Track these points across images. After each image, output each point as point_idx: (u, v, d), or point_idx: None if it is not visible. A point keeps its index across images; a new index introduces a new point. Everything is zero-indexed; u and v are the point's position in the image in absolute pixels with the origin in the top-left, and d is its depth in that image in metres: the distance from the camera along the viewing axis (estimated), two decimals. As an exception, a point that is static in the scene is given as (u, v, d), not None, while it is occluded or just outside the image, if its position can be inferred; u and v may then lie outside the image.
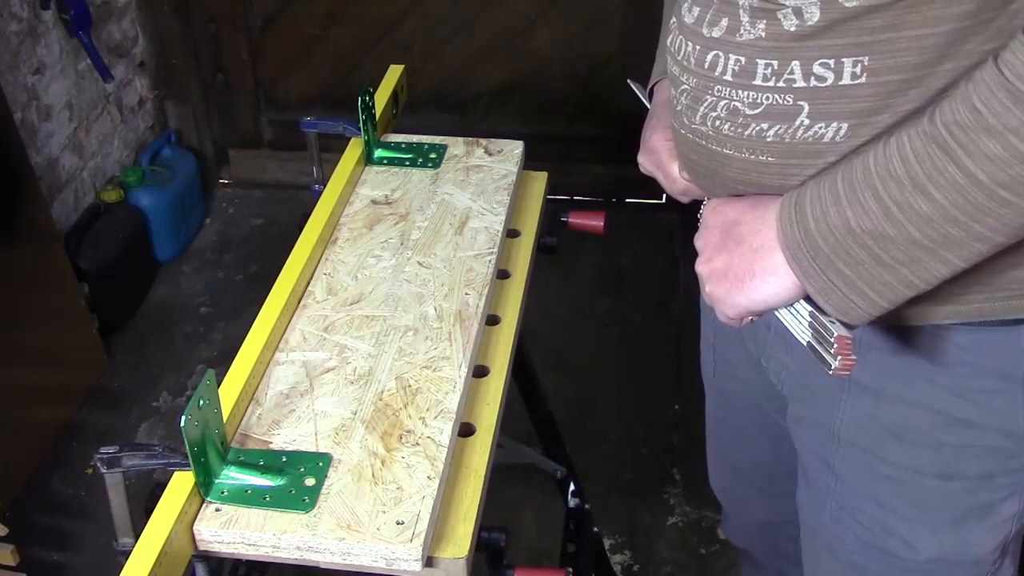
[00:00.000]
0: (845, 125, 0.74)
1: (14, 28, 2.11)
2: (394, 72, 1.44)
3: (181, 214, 2.66)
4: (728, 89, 0.79)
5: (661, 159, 1.00)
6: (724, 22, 0.78)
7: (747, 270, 0.81)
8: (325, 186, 1.22)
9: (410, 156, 1.31)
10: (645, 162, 1.04)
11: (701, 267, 0.86)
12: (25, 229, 2.03)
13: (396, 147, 1.32)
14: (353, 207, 1.22)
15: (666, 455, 2.15)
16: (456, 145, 1.32)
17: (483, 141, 1.33)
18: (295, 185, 2.84)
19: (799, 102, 0.75)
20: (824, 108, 0.74)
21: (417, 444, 0.90)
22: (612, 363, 2.38)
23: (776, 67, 0.75)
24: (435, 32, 2.68)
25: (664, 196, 2.84)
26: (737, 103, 0.79)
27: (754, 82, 0.77)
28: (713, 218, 0.86)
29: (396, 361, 0.99)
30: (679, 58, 0.84)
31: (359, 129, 1.28)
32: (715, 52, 0.79)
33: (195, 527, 0.83)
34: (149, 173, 2.58)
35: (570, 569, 0.96)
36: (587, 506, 1.54)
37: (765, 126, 0.78)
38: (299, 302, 1.07)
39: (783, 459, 1.12)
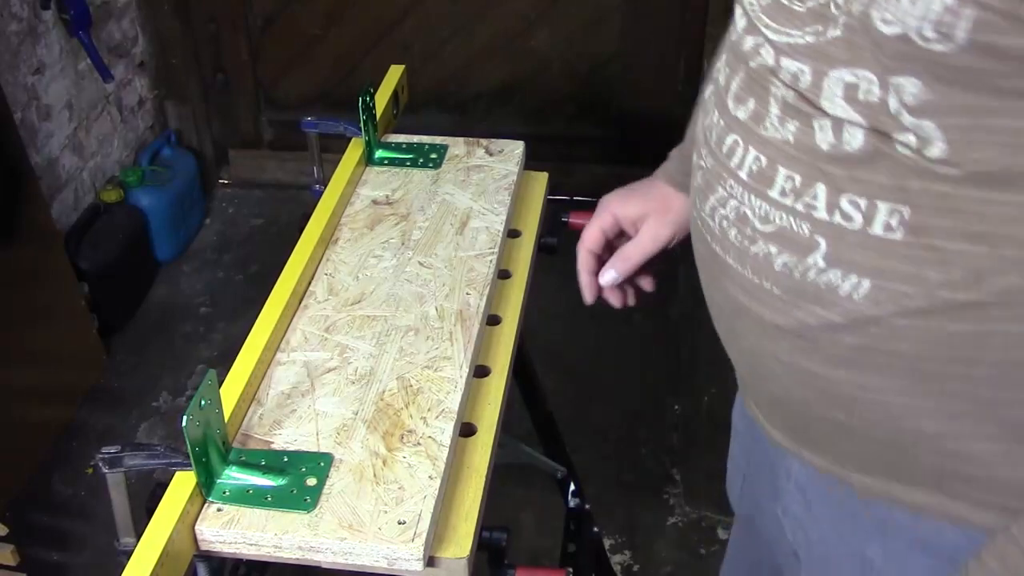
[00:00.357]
0: (867, 283, 0.61)
1: (14, 28, 2.11)
2: (394, 72, 1.44)
3: (181, 214, 2.66)
4: (741, 189, 0.68)
5: (581, 254, 1.03)
6: (751, 104, 0.66)
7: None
8: (326, 186, 1.22)
9: (411, 156, 1.31)
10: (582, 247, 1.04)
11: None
12: (25, 229, 2.03)
13: (397, 147, 1.32)
14: (354, 207, 1.22)
15: (666, 455, 2.15)
16: (457, 145, 1.32)
17: (484, 141, 1.33)
18: (295, 185, 2.84)
19: (817, 236, 0.63)
20: (845, 254, 0.61)
21: (418, 444, 0.90)
22: (612, 363, 2.38)
23: (798, 184, 0.63)
24: (435, 32, 2.68)
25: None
26: (747, 210, 0.67)
27: (770, 192, 0.65)
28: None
29: (397, 361, 0.99)
30: (705, 123, 0.74)
31: (360, 129, 1.28)
32: (735, 137, 0.68)
33: (197, 527, 0.83)
34: (149, 173, 2.58)
35: (570, 569, 0.96)
36: (587, 506, 1.54)
37: (774, 250, 0.66)
38: (300, 302, 1.07)
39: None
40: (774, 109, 0.64)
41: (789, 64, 0.62)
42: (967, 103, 0.53)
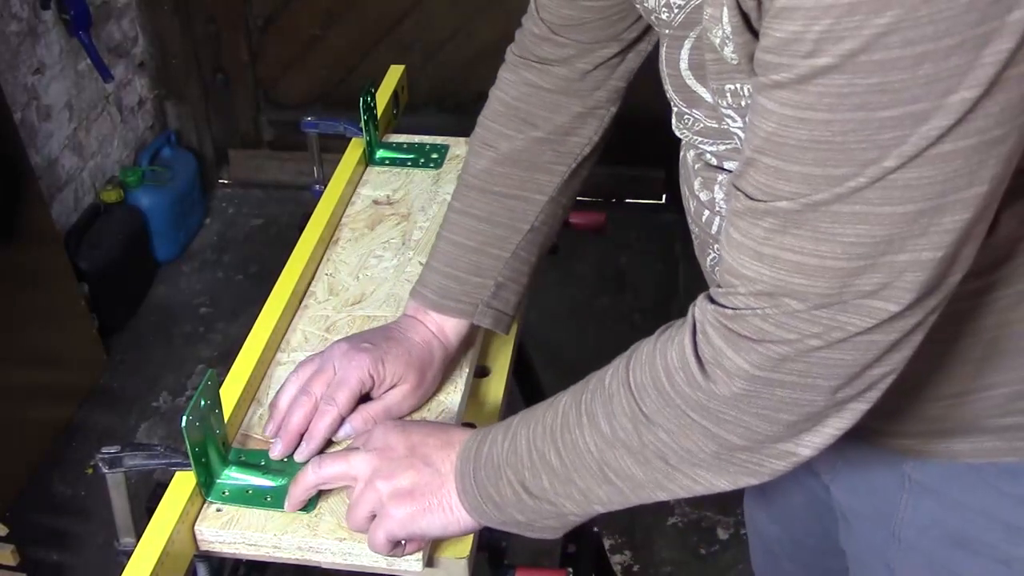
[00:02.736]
0: None
1: (14, 28, 2.11)
2: (394, 72, 1.44)
3: (181, 214, 2.66)
4: None
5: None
6: (708, 192, 0.78)
7: (434, 494, 0.78)
8: (326, 186, 1.22)
9: (412, 156, 1.31)
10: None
11: (380, 482, 0.78)
12: (25, 229, 2.03)
13: (398, 147, 1.32)
14: (354, 207, 1.22)
15: (666, 455, 2.15)
16: (458, 145, 1.32)
17: (484, 141, 1.33)
18: (295, 185, 2.84)
19: None
20: None
21: (418, 444, 0.90)
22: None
23: None
24: (435, 32, 2.68)
25: (664, 196, 2.85)
26: None
27: None
28: (391, 436, 0.81)
29: (397, 361, 0.99)
30: (684, 199, 0.83)
31: (360, 129, 1.28)
32: (707, 212, 0.79)
33: (196, 527, 0.83)
34: (149, 173, 2.58)
35: (570, 569, 0.96)
36: (587, 506, 1.53)
37: None
38: (300, 302, 1.07)
39: (828, 534, 1.03)
40: (720, 193, 0.76)
41: (730, 165, 0.75)
42: None
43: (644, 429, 0.67)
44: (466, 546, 0.85)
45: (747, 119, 0.58)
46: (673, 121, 0.79)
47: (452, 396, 0.95)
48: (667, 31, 0.74)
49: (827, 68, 0.50)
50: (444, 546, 0.84)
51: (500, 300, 0.96)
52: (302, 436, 0.88)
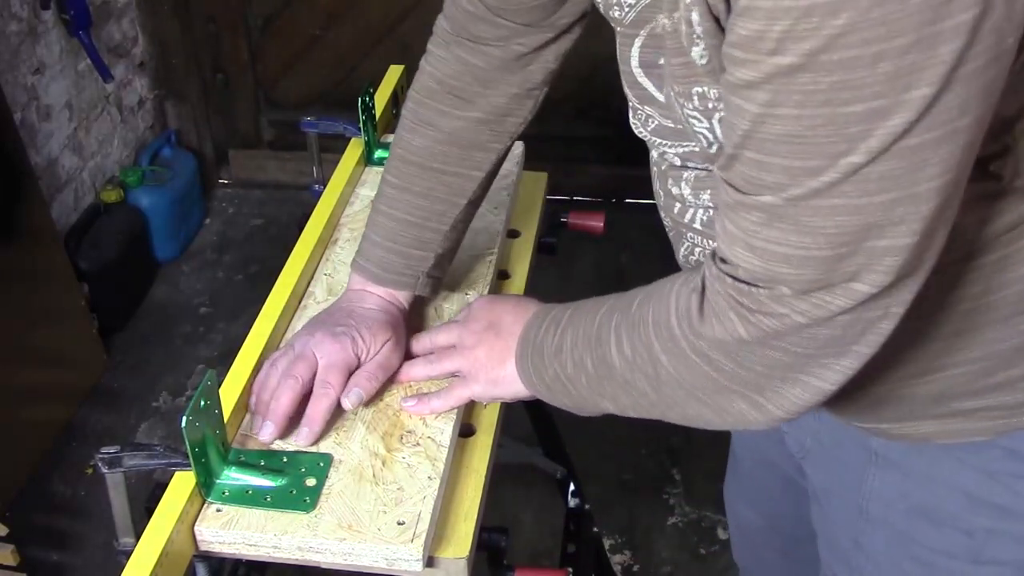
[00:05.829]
0: None
1: (14, 28, 2.11)
2: (394, 72, 1.44)
3: (181, 214, 2.66)
4: (700, 238, 0.83)
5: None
6: (679, 187, 0.82)
7: (498, 360, 0.89)
8: (325, 186, 1.21)
9: (410, 156, 1.30)
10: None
11: (465, 357, 0.92)
12: (25, 229, 2.03)
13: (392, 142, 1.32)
14: (354, 207, 1.22)
15: (666, 455, 2.16)
16: (456, 145, 1.32)
17: (483, 141, 1.33)
18: (295, 185, 2.84)
19: None
20: None
21: (418, 444, 0.90)
22: (612, 363, 2.37)
23: None
24: (435, 32, 2.68)
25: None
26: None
27: None
28: (482, 311, 0.93)
29: (397, 361, 0.99)
30: (654, 193, 0.88)
31: (359, 129, 1.28)
32: (679, 204, 0.83)
33: (196, 527, 0.83)
34: (149, 173, 2.58)
35: (570, 569, 0.96)
36: (587, 506, 1.54)
37: None
38: (300, 302, 1.07)
39: (804, 520, 1.06)
40: (687, 188, 0.81)
41: (692, 164, 0.79)
42: None
43: (656, 362, 0.74)
44: (466, 546, 0.85)
45: (723, 116, 0.62)
46: (630, 116, 0.82)
47: (452, 396, 0.95)
48: (619, 28, 0.76)
49: (791, 67, 0.53)
50: (444, 546, 0.85)
51: (438, 269, 1.01)
52: (290, 419, 0.89)
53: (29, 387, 2.07)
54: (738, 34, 0.54)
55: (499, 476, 0.98)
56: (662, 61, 0.73)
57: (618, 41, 0.78)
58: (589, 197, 2.80)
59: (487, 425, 0.96)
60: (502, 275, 1.15)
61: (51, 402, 2.18)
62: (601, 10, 0.79)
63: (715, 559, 1.95)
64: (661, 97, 0.76)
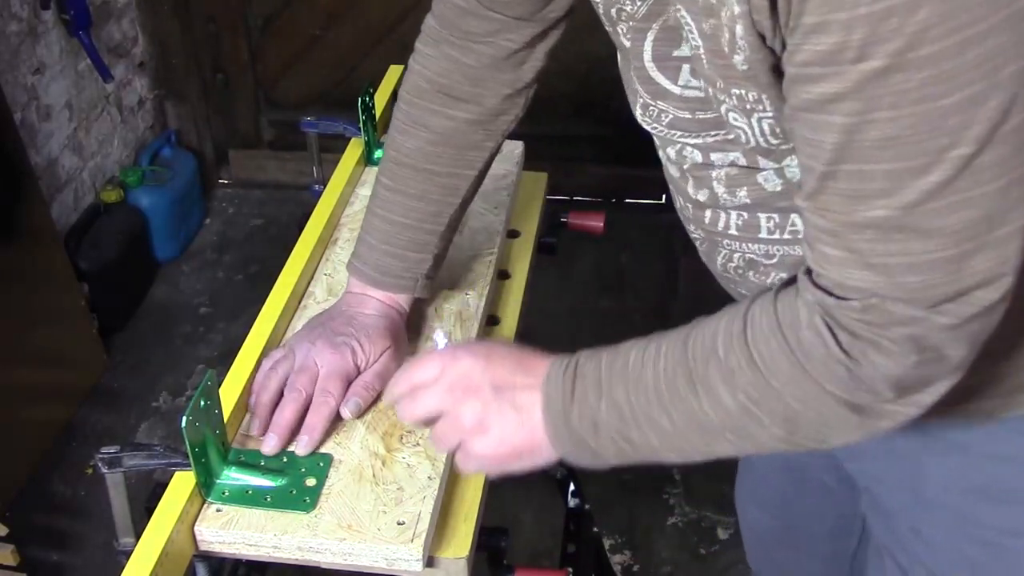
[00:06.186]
0: None
1: (14, 28, 2.11)
2: (394, 72, 1.44)
3: (181, 214, 2.66)
4: (738, 243, 0.80)
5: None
6: (705, 191, 0.79)
7: (524, 441, 0.77)
8: (325, 186, 1.22)
9: (410, 156, 1.30)
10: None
11: (470, 428, 0.77)
12: (25, 229, 2.03)
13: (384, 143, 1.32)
14: (353, 207, 1.22)
15: (666, 455, 2.15)
16: (456, 145, 1.32)
17: (483, 141, 1.33)
18: (295, 185, 2.84)
19: None
20: None
21: (418, 444, 0.90)
22: (612, 363, 2.37)
23: (778, 220, 0.76)
24: (435, 32, 2.67)
25: (664, 196, 2.85)
26: (752, 255, 0.80)
27: (760, 235, 0.78)
28: (475, 371, 0.79)
29: (397, 361, 0.99)
30: (678, 206, 0.84)
31: (359, 129, 1.28)
32: (712, 211, 0.80)
33: (196, 527, 0.83)
34: (149, 173, 2.58)
35: (570, 569, 0.96)
36: (587, 506, 1.54)
37: (785, 275, 0.78)
38: (299, 302, 1.07)
39: (825, 516, 1.06)
40: (720, 188, 0.77)
41: (718, 157, 0.76)
42: None
43: (774, 400, 0.67)
44: (466, 546, 0.85)
45: (800, 137, 0.59)
46: (637, 112, 0.80)
47: (452, 396, 0.95)
48: (630, 23, 0.75)
49: (879, 70, 0.53)
50: (444, 546, 0.85)
51: (435, 270, 1.01)
52: (293, 431, 0.89)
53: (29, 387, 2.07)
54: (812, 51, 0.54)
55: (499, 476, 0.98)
56: (676, 52, 0.72)
57: (626, 37, 0.76)
58: (589, 197, 2.80)
59: (487, 425, 0.96)
60: (502, 275, 1.15)
61: (51, 402, 2.18)
62: (600, 9, 0.78)
63: (715, 559, 1.95)
64: (677, 89, 0.74)
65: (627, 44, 0.77)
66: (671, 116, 0.77)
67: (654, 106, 0.78)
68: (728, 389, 0.68)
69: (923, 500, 0.87)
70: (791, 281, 0.68)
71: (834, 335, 0.64)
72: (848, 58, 0.53)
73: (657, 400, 0.71)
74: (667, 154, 0.81)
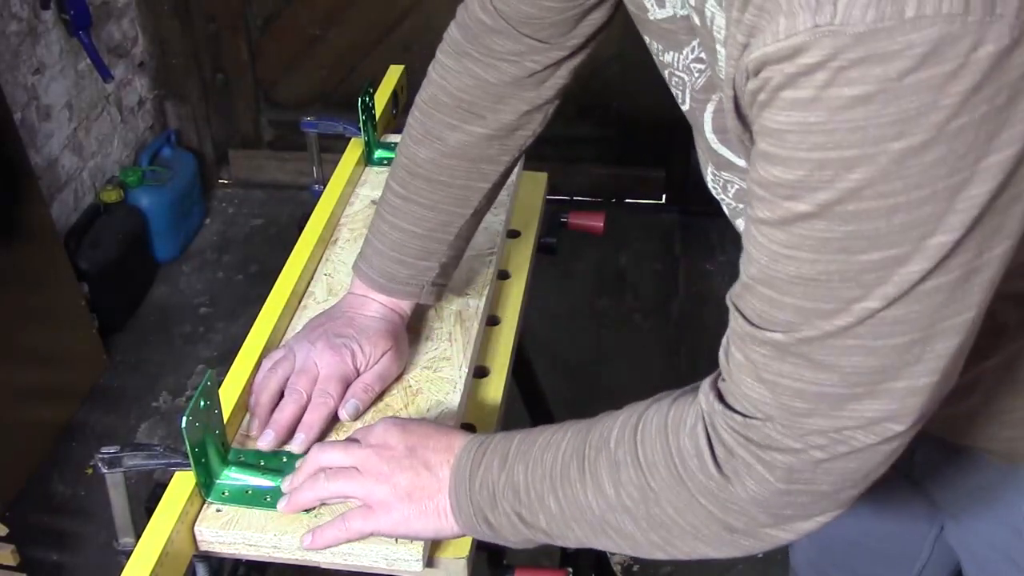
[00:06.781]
0: None
1: (14, 28, 2.11)
2: (394, 72, 1.44)
3: (181, 214, 2.67)
4: None
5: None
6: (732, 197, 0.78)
7: (431, 498, 0.79)
8: (325, 186, 1.22)
9: (410, 156, 1.30)
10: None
11: (378, 480, 0.79)
12: (25, 229, 2.03)
13: (396, 147, 1.32)
14: (353, 207, 1.22)
15: (666, 455, 2.15)
16: (456, 145, 1.32)
17: (483, 141, 1.33)
18: (295, 185, 2.84)
19: None
20: None
21: (418, 444, 0.90)
22: (612, 363, 2.38)
23: None
24: (435, 32, 2.66)
25: (664, 196, 2.85)
26: None
27: None
28: (392, 434, 0.81)
29: (397, 361, 0.99)
30: (714, 196, 0.83)
31: (359, 129, 1.28)
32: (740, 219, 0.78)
33: (196, 527, 0.83)
34: (149, 173, 2.58)
35: (570, 569, 0.96)
36: (587, 506, 1.54)
37: None
38: (300, 302, 1.07)
39: (893, 536, 1.04)
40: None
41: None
42: None
43: (651, 503, 0.68)
44: (466, 546, 0.85)
45: (744, 244, 0.60)
46: (708, 180, 0.79)
47: (452, 396, 0.95)
48: (690, 92, 0.73)
49: (806, 214, 0.52)
50: (444, 546, 0.84)
51: (443, 277, 1.00)
52: (291, 429, 0.89)
53: (29, 387, 2.07)
54: (759, 173, 0.54)
55: (499, 476, 0.98)
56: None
57: (688, 106, 0.75)
58: (589, 197, 2.80)
59: (487, 425, 0.96)
60: (502, 275, 1.15)
61: (51, 402, 2.18)
62: (666, 74, 0.75)
63: (714, 559, 1.94)
64: (741, 163, 0.72)
65: (690, 114, 0.75)
66: (736, 187, 0.76)
67: (719, 176, 0.77)
68: (612, 482, 0.69)
69: (1021, 534, 0.85)
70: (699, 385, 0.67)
71: (711, 448, 0.64)
72: (782, 193, 0.53)
73: (550, 482, 0.73)
74: (737, 226, 0.80)
